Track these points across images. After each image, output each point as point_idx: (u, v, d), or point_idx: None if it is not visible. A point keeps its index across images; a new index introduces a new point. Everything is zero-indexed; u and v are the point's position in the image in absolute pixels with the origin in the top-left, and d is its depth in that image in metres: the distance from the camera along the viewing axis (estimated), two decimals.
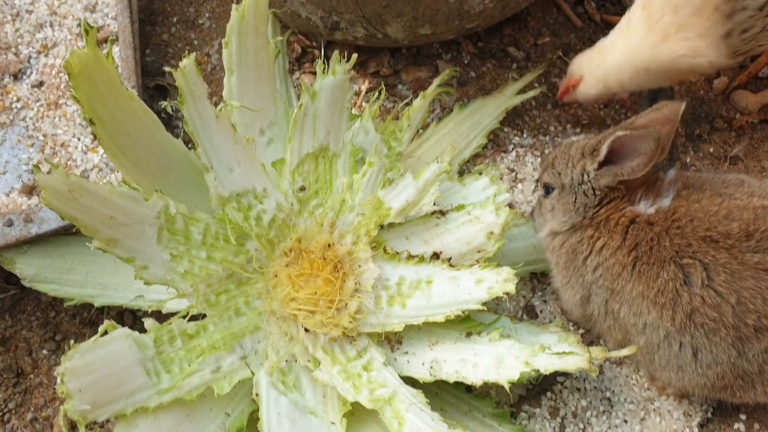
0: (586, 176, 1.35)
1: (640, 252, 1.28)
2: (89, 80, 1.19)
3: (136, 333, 1.25)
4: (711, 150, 1.75)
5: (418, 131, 1.67)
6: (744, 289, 1.21)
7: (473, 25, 1.69)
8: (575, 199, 1.37)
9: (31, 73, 1.75)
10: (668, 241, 1.26)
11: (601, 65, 1.49)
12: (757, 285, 1.20)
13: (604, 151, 1.31)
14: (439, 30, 1.65)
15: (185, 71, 1.27)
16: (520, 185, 1.75)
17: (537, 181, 1.75)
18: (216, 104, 1.31)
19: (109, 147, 1.26)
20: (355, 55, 1.43)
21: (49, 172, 1.13)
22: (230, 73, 1.38)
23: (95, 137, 1.24)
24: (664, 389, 1.47)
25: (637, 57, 1.44)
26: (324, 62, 1.42)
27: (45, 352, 1.49)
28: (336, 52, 1.42)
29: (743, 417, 1.45)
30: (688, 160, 1.74)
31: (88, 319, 1.52)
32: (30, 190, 1.62)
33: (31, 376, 1.47)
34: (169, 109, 1.26)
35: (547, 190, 1.43)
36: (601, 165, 1.33)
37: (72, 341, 1.49)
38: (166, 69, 1.28)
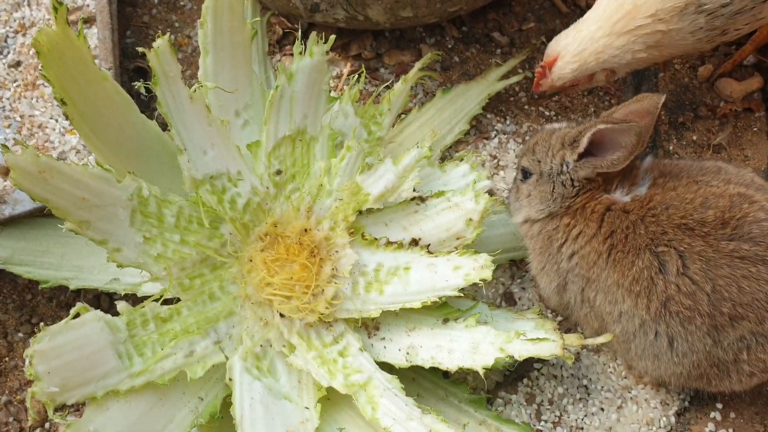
0: (565, 166, 1.34)
1: (615, 240, 1.27)
2: (59, 59, 1.17)
3: (109, 316, 1.23)
4: (694, 138, 1.74)
5: (399, 116, 1.65)
6: (719, 277, 1.20)
7: (456, 9, 1.67)
8: (553, 188, 1.36)
9: (8, 52, 1.73)
10: (643, 229, 1.25)
11: (577, 37, 1.47)
12: (732, 273, 1.20)
13: (584, 143, 1.30)
14: (420, 13, 1.63)
15: (159, 52, 1.25)
16: (501, 172, 1.74)
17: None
18: (193, 86, 1.29)
19: (81, 127, 1.24)
20: (333, 37, 1.42)
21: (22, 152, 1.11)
22: (205, 53, 1.36)
23: (67, 117, 1.22)
24: (641, 378, 1.46)
25: (609, 23, 1.42)
26: (302, 44, 1.40)
27: (20, 335, 1.48)
28: (314, 33, 1.40)
29: (720, 406, 1.44)
30: (671, 147, 1.73)
31: (65, 302, 1.51)
32: (7, 172, 1.60)
33: (6, 359, 1.45)
34: (142, 90, 1.23)
35: (525, 174, 1.41)
36: (581, 156, 1.32)
37: (46, 324, 1.49)
38: (140, 50, 1.26)
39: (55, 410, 1.13)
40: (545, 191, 1.37)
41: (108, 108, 1.26)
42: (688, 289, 1.21)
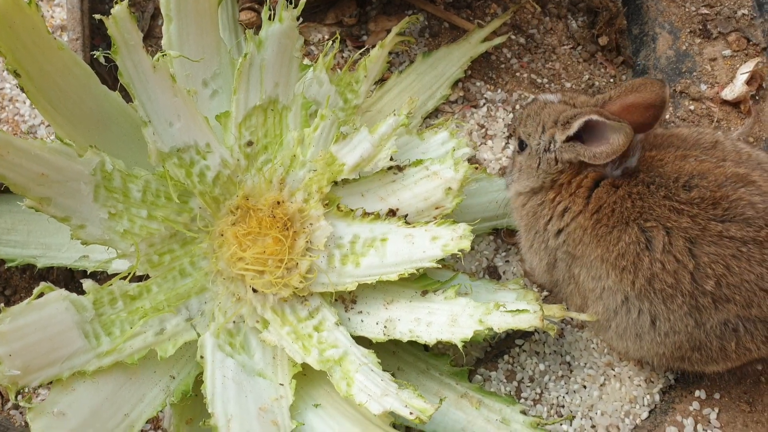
0: (552, 145, 1.29)
1: (601, 214, 1.22)
2: (10, 29, 1.11)
3: (74, 295, 1.19)
4: (692, 108, 1.67)
5: (378, 83, 1.59)
6: (704, 255, 1.14)
7: None
8: (539, 164, 1.32)
9: None
10: (630, 204, 1.19)
11: None
12: (719, 251, 1.14)
13: (575, 127, 1.24)
14: None
15: (117, 19, 1.19)
16: (489, 142, 1.68)
17: (509, 136, 1.67)
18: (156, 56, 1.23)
19: (38, 101, 1.19)
20: (303, 0, 1.35)
21: None
22: (169, 21, 1.30)
23: (23, 90, 1.17)
24: (625, 354, 1.42)
25: None
26: (270, 8, 1.33)
27: None
28: None
29: (706, 383, 1.39)
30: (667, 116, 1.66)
31: (38, 273, 1.47)
32: None
33: None
34: (101, 59, 1.18)
35: (522, 145, 1.36)
36: (569, 138, 1.26)
37: (21, 296, 1.46)
38: (96, 17, 1.20)
39: (18, 394, 1.10)
40: (531, 166, 1.33)
41: (65, 79, 1.20)
42: (672, 267, 1.16)
